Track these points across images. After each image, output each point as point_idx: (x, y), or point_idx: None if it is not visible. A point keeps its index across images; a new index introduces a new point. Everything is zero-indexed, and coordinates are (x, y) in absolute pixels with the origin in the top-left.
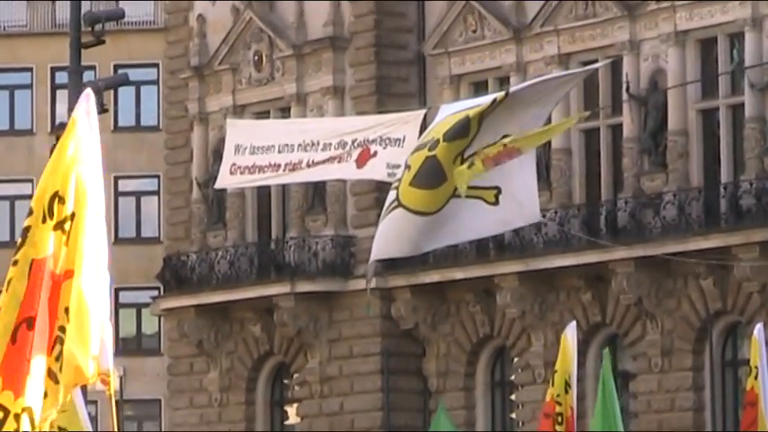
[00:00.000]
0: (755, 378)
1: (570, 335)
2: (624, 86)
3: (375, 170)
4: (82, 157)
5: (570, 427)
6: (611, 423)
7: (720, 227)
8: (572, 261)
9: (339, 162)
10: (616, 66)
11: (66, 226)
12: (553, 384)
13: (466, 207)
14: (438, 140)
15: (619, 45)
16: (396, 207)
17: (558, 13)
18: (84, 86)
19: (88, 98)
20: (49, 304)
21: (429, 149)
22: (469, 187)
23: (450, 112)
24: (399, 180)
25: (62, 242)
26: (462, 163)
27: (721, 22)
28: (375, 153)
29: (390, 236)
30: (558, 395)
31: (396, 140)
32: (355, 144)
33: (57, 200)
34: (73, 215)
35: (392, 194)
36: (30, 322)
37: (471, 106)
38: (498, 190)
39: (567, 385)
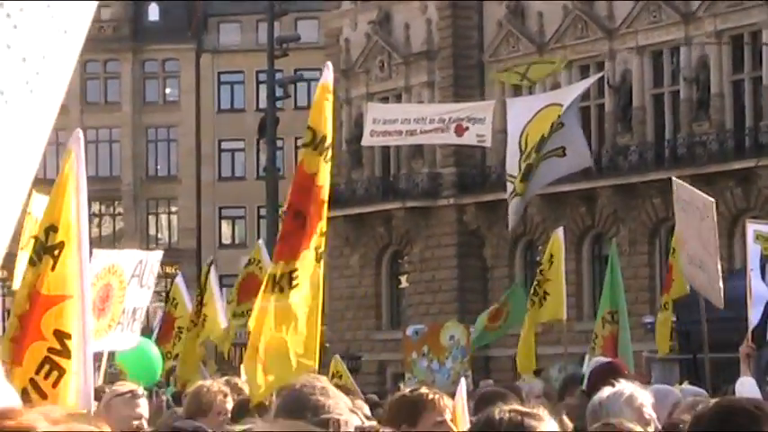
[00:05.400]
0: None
1: (560, 236)
2: (606, 80)
3: (469, 138)
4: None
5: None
6: (616, 291)
7: (665, 166)
8: (571, 188)
9: (442, 132)
10: (601, 68)
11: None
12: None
13: (548, 164)
14: (530, 153)
15: (602, 55)
16: (515, 197)
17: (566, 34)
18: (276, 82)
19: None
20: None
21: (531, 159)
22: (544, 154)
23: (524, 117)
24: (514, 178)
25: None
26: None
27: (665, 40)
28: (467, 128)
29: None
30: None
31: (480, 119)
32: (450, 120)
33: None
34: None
35: (510, 186)
36: None
37: (537, 108)
38: (563, 148)
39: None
